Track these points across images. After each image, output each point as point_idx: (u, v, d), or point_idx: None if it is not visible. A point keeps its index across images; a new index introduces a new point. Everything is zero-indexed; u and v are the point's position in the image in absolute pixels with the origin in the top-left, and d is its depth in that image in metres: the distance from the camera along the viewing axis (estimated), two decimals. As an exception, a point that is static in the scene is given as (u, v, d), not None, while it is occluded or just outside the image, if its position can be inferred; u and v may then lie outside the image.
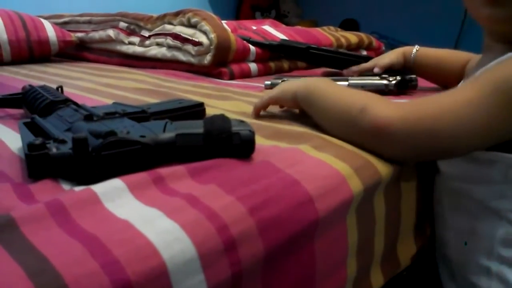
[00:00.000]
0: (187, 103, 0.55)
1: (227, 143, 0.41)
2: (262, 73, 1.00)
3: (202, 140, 0.40)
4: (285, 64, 1.05)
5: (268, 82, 0.79)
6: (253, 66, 0.98)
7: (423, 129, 0.40)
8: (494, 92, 0.39)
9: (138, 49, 1.10)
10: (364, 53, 1.25)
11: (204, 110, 0.55)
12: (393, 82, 0.71)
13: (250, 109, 0.63)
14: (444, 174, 0.50)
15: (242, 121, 0.44)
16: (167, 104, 0.55)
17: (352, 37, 1.22)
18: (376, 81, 0.73)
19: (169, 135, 0.40)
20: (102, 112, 0.47)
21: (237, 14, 2.24)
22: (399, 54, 0.77)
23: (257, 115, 0.57)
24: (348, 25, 2.13)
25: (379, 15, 2.22)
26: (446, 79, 0.72)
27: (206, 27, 0.93)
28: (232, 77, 0.93)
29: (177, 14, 1.02)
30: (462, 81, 0.56)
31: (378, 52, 1.30)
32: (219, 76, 0.93)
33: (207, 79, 0.92)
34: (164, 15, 1.05)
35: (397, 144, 0.42)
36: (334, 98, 0.48)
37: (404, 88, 0.73)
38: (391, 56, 0.78)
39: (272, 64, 1.02)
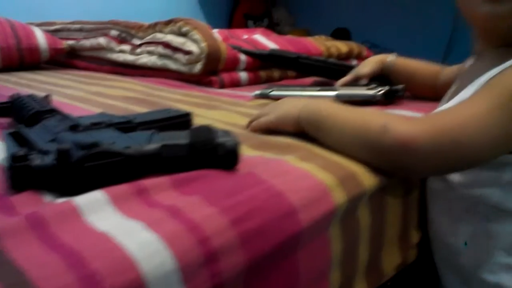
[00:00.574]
0: (174, 113, 0.55)
1: (211, 154, 0.41)
2: (252, 82, 1.00)
3: (187, 151, 0.41)
4: (276, 73, 1.05)
5: (258, 92, 0.80)
6: (243, 75, 0.98)
7: (449, 141, 0.41)
8: (508, 101, 0.41)
9: (129, 57, 1.10)
10: (355, 62, 1.27)
11: (191, 120, 0.56)
12: (381, 92, 0.72)
13: (238, 118, 0.64)
14: (452, 183, 0.50)
15: (227, 132, 0.44)
16: (153, 114, 0.55)
17: (342, 46, 1.23)
18: (364, 91, 0.73)
19: (153, 146, 0.40)
20: (88, 122, 0.47)
21: (229, 22, 2.25)
22: (377, 62, 0.79)
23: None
24: (340, 34, 2.15)
25: (371, 24, 2.25)
26: (417, 89, 0.76)
27: (196, 36, 0.93)
28: (222, 86, 0.93)
29: (168, 22, 1.02)
30: (453, 86, 0.57)
31: (368, 62, 1.32)
32: (209, 85, 0.94)
33: (197, 88, 0.93)
34: (155, 24, 1.06)
35: (424, 159, 0.42)
36: (348, 120, 0.47)
37: (391, 98, 0.73)
38: (370, 65, 0.79)
39: (262, 73, 1.03)
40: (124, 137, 0.42)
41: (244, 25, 2.24)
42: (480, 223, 0.48)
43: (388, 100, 0.73)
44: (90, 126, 0.46)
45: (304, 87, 0.81)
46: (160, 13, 1.93)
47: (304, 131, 0.50)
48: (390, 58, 0.78)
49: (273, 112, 0.55)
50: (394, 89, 0.74)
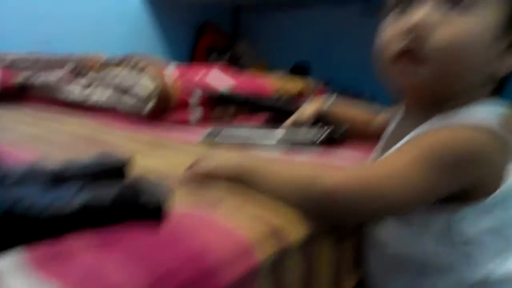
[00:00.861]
0: (111, 160, 0.55)
1: (137, 211, 0.41)
2: (204, 121, 1.01)
3: (111, 208, 0.41)
4: (229, 111, 1.07)
5: (205, 135, 0.80)
6: (195, 114, 0.99)
7: (371, 192, 0.44)
8: (430, 157, 0.44)
9: (81, 94, 1.09)
10: (309, 99, 1.30)
11: (129, 167, 0.55)
12: (321, 137, 0.74)
13: (182, 161, 0.64)
14: (382, 242, 0.52)
15: (158, 185, 0.44)
16: (89, 163, 0.55)
17: (297, 84, 1.26)
18: (304, 136, 0.76)
19: (76, 204, 0.39)
20: (18, 173, 0.46)
21: (192, 55, 2.27)
22: (316, 107, 0.82)
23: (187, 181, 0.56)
24: (300, 68, 2.21)
25: (330, 59, 2.32)
26: (352, 133, 0.78)
27: (148, 76, 0.94)
28: (173, 124, 0.94)
29: (120, 61, 1.03)
30: (382, 140, 0.59)
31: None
32: (160, 124, 0.94)
33: (147, 127, 0.92)
34: (109, 61, 1.06)
35: (349, 208, 0.44)
36: (279, 176, 0.49)
37: (333, 140, 0.75)
38: (311, 108, 0.82)
39: (215, 111, 1.04)
40: (48, 195, 0.41)
41: (207, 59, 2.26)
42: (411, 277, 0.50)
43: (331, 142, 0.75)
44: (17, 179, 0.45)
45: (251, 129, 0.82)
46: (122, 45, 1.95)
47: (240, 183, 0.51)
48: (328, 103, 0.82)
49: (212, 160, 0.56)
50: (336, 131, 0.76)
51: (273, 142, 0.74)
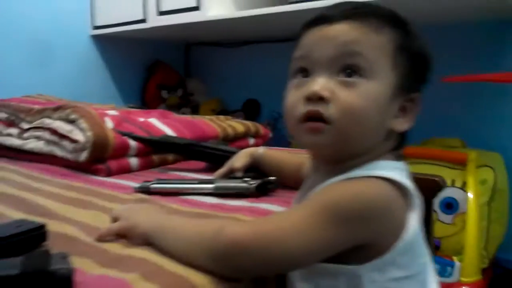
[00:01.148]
0: (25, 227, 0.54)
1: (43, 283, 0.41)
2: (143, 167, 1.01)
3: (18, 282, 0.40)
4: (170, 157, 1.07)
5: (138, 185, 0.80)
6: (133, 161, 0.99)
7: (270, 243, 0.45)
8: (325, 212, 0.46)
9: (16, 142, 1.07)
10: (252, 141, 1.33)
11: (44, 233, 0.54)
12: (253, 185, 0.76)
13: (106, 220, 0.63)
14: None
15: (64, 255, 0.44)
16: (2, 230, 0.53)
17: (239, 126, 1.29)
18: (239, 183, 0.77)
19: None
20: None
21: (143, 93, 2.27)
22: (248, 155, 0.83)
23: (101, 240, 0.56)
24: (251, 105, 2.26)
25: (281, 95, 2.38)
26: (284, 180, 0.79)
27: (83, 125, 0.93)
28: (109, 173, 0.93)
29: (56, 109, 1.02)
30: (299, 190, 0.62)
31: (265, 139, 1.39)
32: (95, 173, 0.93)
33: (82, 177, 0.91)
34: (44, 109, 1.05)
35: (252, 259, 0.45)
36: (185, 229, 0.51)
37: (263, 190, 0.77)
38: (242, 159, 0.83)
39: (155, 158, 1.04)
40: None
41: (158, 96, 2.27)
42: None
43: (261, 192, 0.77)
44: None
45: (185, 181, 0.84)
46: (71, 83, 1.93)
47: (152, 243, 0.52)
48: (260, 151, 0.84)
49: (127, 218, 0.57)
50: (267, 182, 0.78)
51: (211, 187, 0.76)
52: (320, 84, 0.49)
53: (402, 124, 0.53)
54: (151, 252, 0.51)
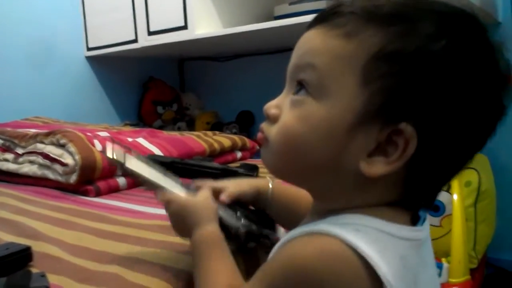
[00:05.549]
0: (12, 249, 0.59)
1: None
2: (132, 186, 1.06)
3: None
4: (158, 174, 1.12)
5: (112, 156, 0.62)
6: (121, 180, 1.04)
7: None
8: (266, 280, 0.41)
9: (12, 166, 1.13)
10: (239, 154, 1.38)
11: (29, 255, 0.60)
12: (243, 230, 0.57)
13: (89, 242, 0.68)
14: None
15: (43, 275, 0.49)
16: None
17: (225, 141, 1.34)
18: (228, 215, 0.58)
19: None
20: None
21: (139, 110, 2.33)
22: (252, 186, 0.62)
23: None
24: (245, 116, 2.30)
25: (274, 105, 2.43)
26: (292, 223, 0.52)
27: (72, 148, 0.99)
28: (98, 194, 0.98)
29: (48, 134, 1.07)
30: None
31: (253, 151, 1.44)
32: (85, 193, 0.98)
33: (72, 198, 0.97)
34: (37, 134, 1.10)
35: None
36: (205, 266, 0.51)
37: (254, 240, 0.59)
38: (242, 187, 0.62)
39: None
40: None
41: (154, 112, 2.33)
42: None
43: (248, 243, 0.58)
44: None
45: (165, 174, 0.71)
46: (70, 106, 1.99)
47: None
48: (269, 185, 0.62)
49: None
50: (264, 234, 0.60)
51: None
52: (273, 101, 0.46)
53: (377, 167, 0.38)
54: (123, 268, 0.56)
